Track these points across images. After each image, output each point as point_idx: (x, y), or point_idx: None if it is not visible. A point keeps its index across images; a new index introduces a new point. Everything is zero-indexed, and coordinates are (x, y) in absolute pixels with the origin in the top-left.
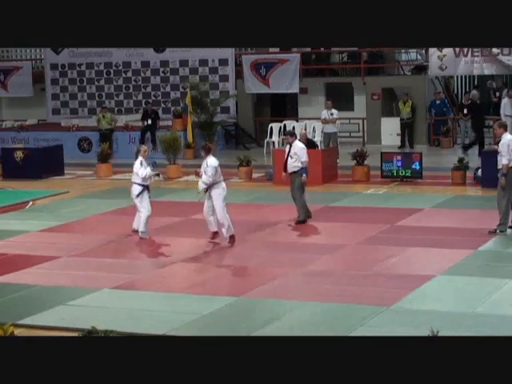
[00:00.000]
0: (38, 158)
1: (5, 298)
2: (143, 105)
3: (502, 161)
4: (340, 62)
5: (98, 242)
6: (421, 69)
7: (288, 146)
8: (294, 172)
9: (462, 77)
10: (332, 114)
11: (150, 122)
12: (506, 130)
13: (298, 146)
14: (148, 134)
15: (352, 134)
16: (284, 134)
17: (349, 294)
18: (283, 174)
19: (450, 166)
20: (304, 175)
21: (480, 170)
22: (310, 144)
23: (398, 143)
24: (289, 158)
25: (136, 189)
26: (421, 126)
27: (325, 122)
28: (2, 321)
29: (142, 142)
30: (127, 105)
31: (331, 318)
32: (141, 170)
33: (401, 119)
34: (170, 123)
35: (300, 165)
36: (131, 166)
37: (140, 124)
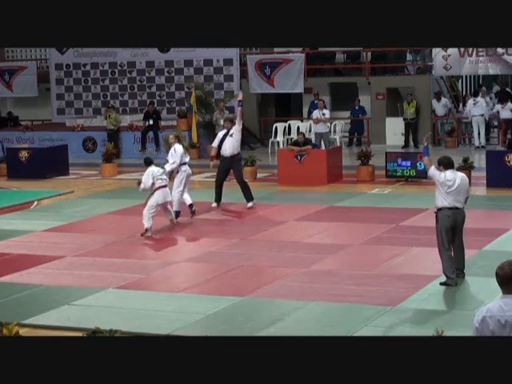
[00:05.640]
0: (42, 157)
1: (9, 297)
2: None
3: None
4: (344, 62)
5: (102, 241)
6: (426, 69)
7: None
8: None
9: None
10: (324, 114)
11: (151, 122)
12: None
13: None
14: (151, 134)
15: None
16: None
17: (353, 294)
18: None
19: (455, 165)
20: None
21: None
22: (306, 142)
23: (403, 143)
24: None
25: None
26: (425, 126)
27: (317, 121)
28: (6, 320)
29: (144, 142)
30: (132, 105)
31: (335, 317)
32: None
33: (404, 119)
34: (174, 123)
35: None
36: (136, 166)
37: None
